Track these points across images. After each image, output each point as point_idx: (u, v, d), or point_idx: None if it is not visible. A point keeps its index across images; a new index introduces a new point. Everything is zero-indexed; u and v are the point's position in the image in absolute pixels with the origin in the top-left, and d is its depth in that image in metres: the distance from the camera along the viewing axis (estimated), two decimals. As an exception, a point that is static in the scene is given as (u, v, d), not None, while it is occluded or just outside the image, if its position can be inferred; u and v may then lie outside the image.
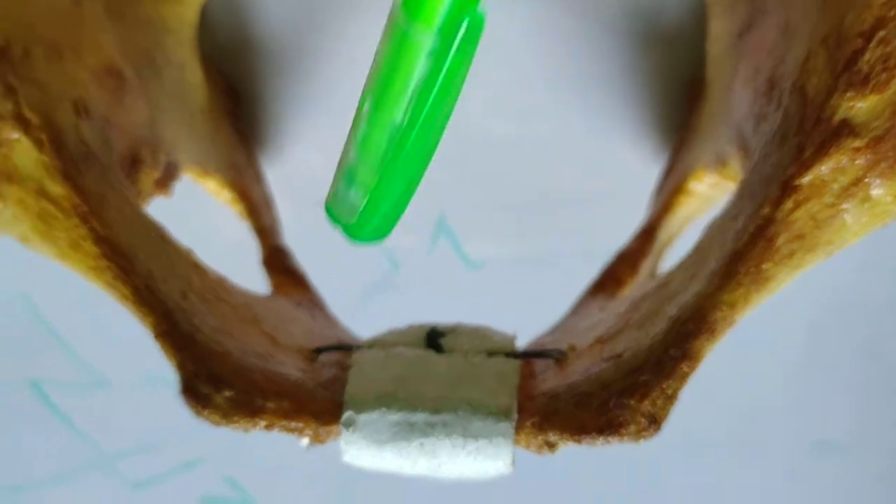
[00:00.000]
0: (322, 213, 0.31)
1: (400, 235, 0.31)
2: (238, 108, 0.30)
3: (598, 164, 0.30)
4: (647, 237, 0.25)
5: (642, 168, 0.29)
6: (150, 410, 0.33)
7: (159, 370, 0.31)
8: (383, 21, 0.30)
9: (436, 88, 0.12)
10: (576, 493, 0.35)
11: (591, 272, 0.26)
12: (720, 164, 0.22)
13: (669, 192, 0.26)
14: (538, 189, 0.31)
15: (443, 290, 0.32)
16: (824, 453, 0.33)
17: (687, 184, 0.25)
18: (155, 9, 0.23)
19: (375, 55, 0.13)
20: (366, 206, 0.14)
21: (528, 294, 0.31)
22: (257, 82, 0.30)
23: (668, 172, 0.27)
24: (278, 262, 0.25)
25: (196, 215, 0.28)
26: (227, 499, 0.35)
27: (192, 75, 0.26)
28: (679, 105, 0.28)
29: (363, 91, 0.13)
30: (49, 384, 0.33)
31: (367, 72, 0.30)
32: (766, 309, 0.31)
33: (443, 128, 0.13)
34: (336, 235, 0.31)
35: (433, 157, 0.13)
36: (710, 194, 0.25)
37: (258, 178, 0.29)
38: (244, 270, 0.26)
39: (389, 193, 0.14)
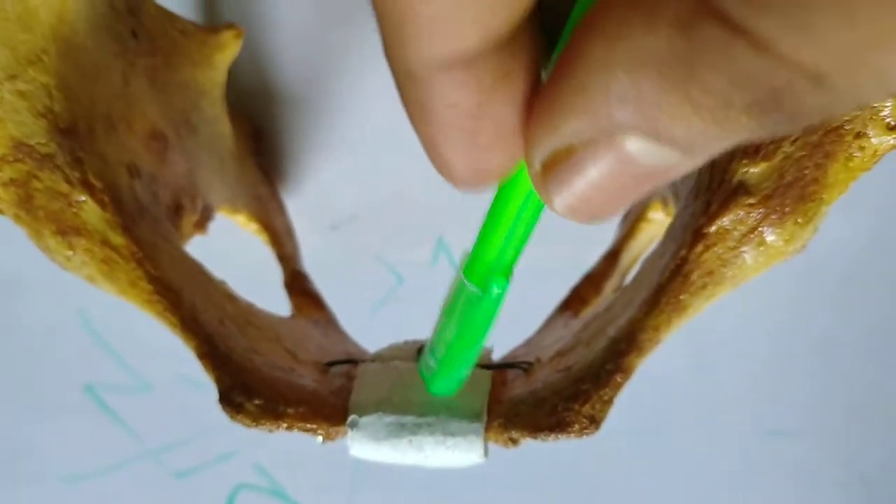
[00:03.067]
0: (335, 237, 0.35)
1: (404, 253, 0.35)
2: (261, 146, 0.33)
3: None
4: (611, 260, 0.29)
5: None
6: (188, 409, 0.36)
7: (195, 375, 0.34)
8: (387, 67, 0.34)
9: (476, 321, 0.18)
10: (543, 474, 0.38)
11: (571, 284, 0.29)
12: (664, 202, 0.26)
13: (632, 220, 0.29)
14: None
15: (442, 301, 0.36)
16: (779, 440, 0.36)
17: (647, 213, 0.29)
18: (191, 76, 0.27)
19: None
20: (437, 369, 0.21)
21: (517, 304, 0.34)
22: (277, 123, 0.34)
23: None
24: (298, 285, 0.29)
25: (229, 246, 0.32)
26: (258, 486, 0.38)
27: (223, 126, 0.29)
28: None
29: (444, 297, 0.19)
30: (101, 387, 0.36)
31: (374, 112, 0.34)
32: (729, 312, 0.34)
33: (483, 336, 0.19)
34: (348, 256, 0.35)
35: (476, 349, 0.20)
36: (667, 222, 0.29)
37: (280, 209, 0.33)
38: (269, 290, 0.29)
39: (451, 366, 0.20)
